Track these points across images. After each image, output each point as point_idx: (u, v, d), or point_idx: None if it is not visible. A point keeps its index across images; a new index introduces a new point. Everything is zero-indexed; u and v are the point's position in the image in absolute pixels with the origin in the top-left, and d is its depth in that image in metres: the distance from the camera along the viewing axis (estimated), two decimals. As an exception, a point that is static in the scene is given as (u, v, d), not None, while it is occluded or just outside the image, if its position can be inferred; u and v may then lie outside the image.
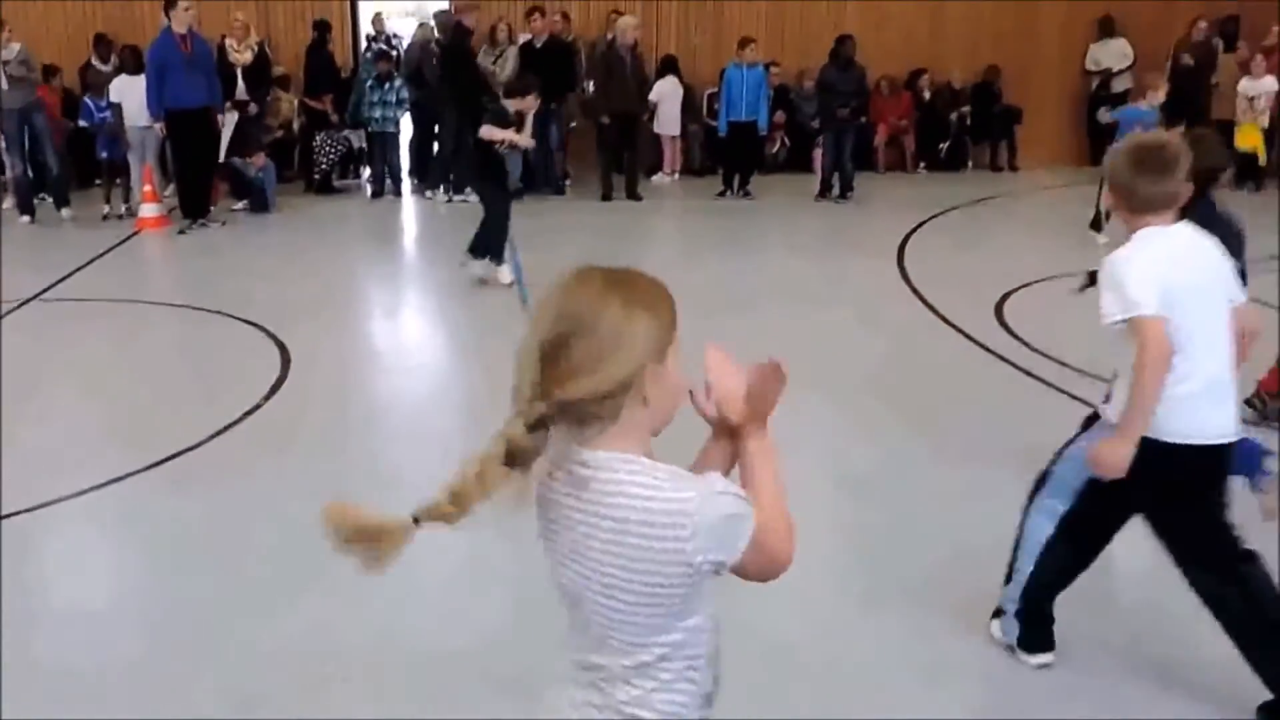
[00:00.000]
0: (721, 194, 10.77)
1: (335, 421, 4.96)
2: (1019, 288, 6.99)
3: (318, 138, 10.85)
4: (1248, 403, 4.56)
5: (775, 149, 12.10)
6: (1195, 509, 2.78)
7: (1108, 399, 2.89)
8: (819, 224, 9.81)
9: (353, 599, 3.41)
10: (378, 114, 10.46)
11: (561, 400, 1.35)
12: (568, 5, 11.70)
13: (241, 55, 10.32)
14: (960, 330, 6.21)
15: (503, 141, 6.92)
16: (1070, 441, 3.06)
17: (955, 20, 12.62)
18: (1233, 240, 3.39)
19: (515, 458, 1.36)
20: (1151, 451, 2.63)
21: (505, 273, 7.12)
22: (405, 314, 7.31)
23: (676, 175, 11.86)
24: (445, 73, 9.89)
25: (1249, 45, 11.75)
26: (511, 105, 7.01)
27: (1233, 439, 2.73)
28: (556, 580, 1.48)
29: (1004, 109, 12.48)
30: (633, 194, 10.56)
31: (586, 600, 1.43)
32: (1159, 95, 8.12)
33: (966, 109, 12.46)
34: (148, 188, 9.24)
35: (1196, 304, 2.65)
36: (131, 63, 9.52)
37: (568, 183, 11.00)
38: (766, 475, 1.49)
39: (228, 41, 10.32)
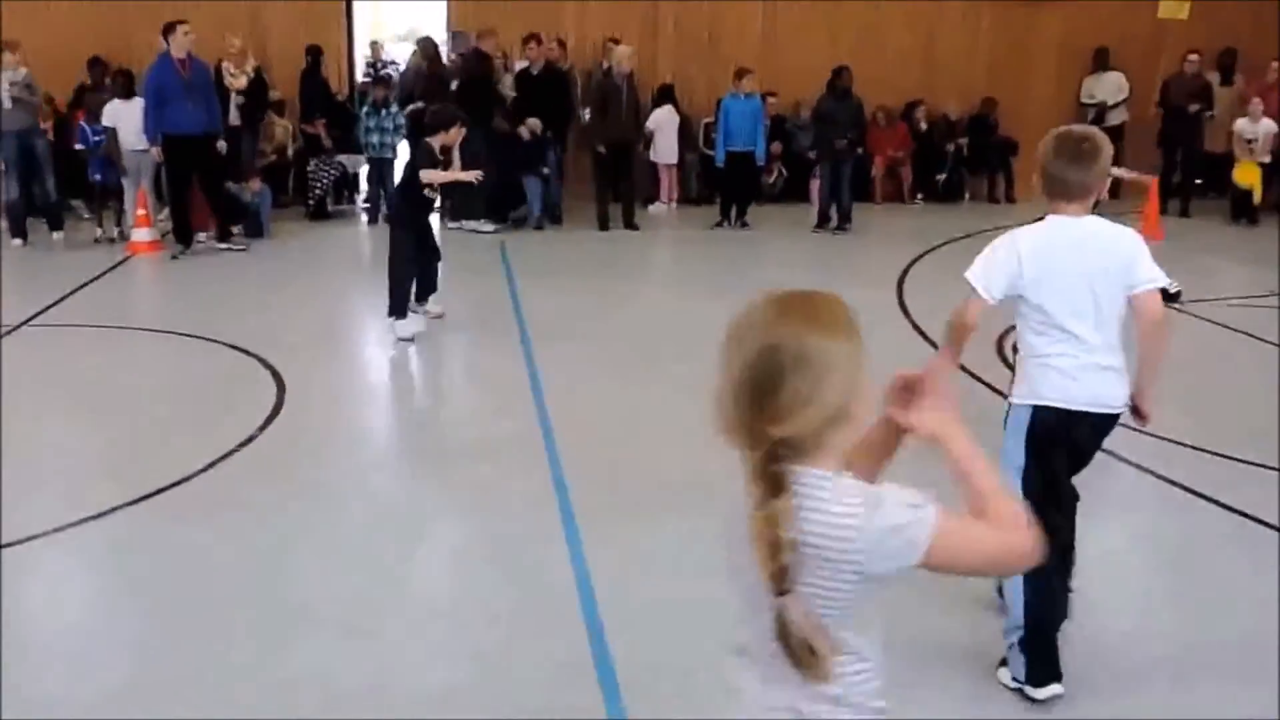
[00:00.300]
0: (719, 224, 10.74)
1: (332, 454, 4.87)
2: (1019, 322, 6.94)
3: (312, 163, 10.82)
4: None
5: (772, 179, 12.10)
6: (1074, 464, 3.09)
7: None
8: (817, 255, 9.77)
9: (346, 638, 3.33)
10: (375, 139, 10.43)
11: (779, 438, 1.38)
12: (564, 33, 11.73)
13: (237, 80, 10.28)
14: (960, 365, 6.15)
15: (433, 185, 6.57)
16: None
17: (950, 53, 12.68)
18: None
19: (777, 488, 1.39)
20: (1036, 416, 2.95)
21: (403, 327, 6.54)
22: (392, 341, 7.21)
23: (673, 205, 11.83)
24: (464, 99, 9.75)
25: (1246, 79, 11.82)
26: (435, 141, 6.55)
27: (1102, 410, 2.97)
28: (739, 587, 1.51)
29: (1000, 141, 12.51)
30: (630, 224, 10.53)
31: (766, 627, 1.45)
32: None
33: (963, 140, 12.50)
34: (141, 212, 9.17)
35: (1071, 286, 2.90)
36: (125, 87, 9.48)
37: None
38: (984, 479, 1.52)
39: (224, 66, 10.29)
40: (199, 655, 3.23)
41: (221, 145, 9.12)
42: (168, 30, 8.67)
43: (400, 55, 14.28)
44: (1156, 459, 4.77)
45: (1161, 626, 3.56)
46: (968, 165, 12.60)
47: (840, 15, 12.40)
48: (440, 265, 7.08)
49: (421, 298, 6.89)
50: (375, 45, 12.62)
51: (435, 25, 13.42)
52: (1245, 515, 4.22)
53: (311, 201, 10.79)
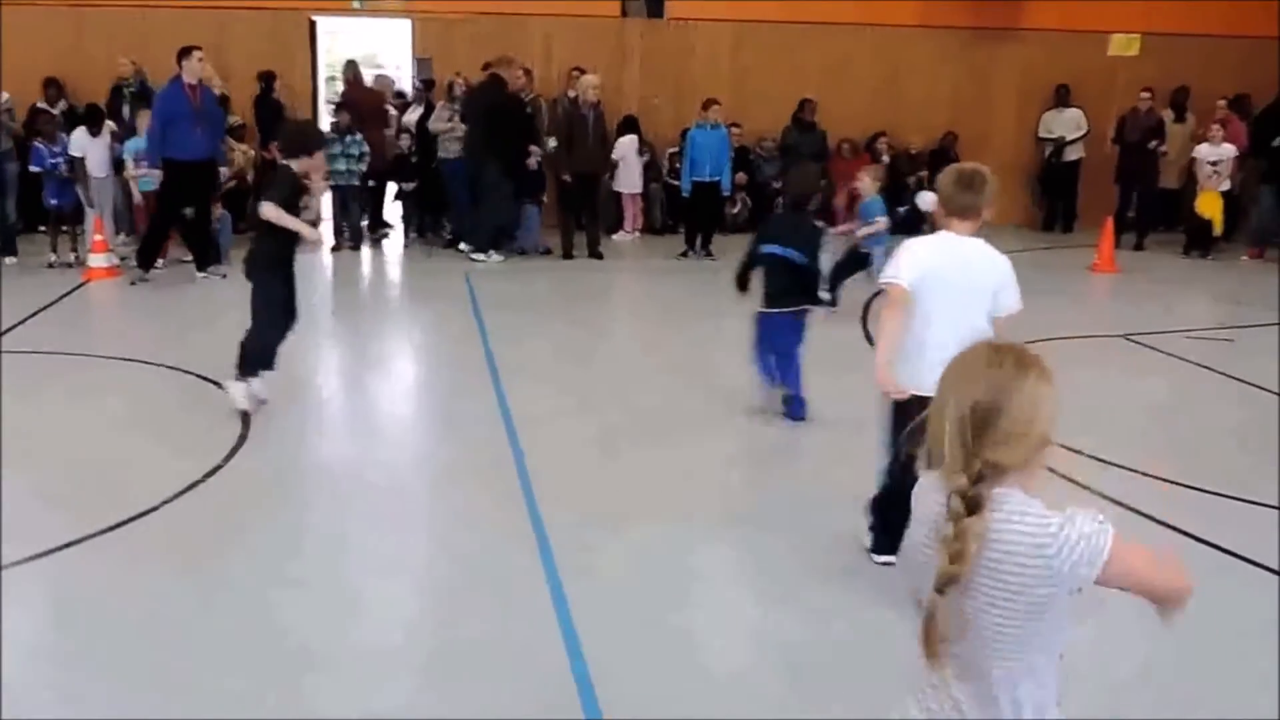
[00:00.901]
0: (684, 254, 10.77)
1: (299, 484, 4.78)
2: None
3: (269, 189, 10.69)
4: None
5: (736, 209, 12.17)
6: None
7: None
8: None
9: (317, 670, 3.24)
10: (341, 166, 10.32)
11: (994, 461, 1.65)
12: (530, 61, 11.75)
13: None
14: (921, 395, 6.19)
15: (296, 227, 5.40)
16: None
17: (914, 87, 12.89)
18: (809, 235, 5.61)
19: (975, 507, 1.65)
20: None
21: (240, 393, 5.45)
22: (366, 369, 7.12)
23: (637, 234, 11.87)
24: (490, 126, 9.88)
25: (1197, 117, 12.14)
26: (295, 165, 5.43)
27: None
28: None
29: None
30: (594, 253, 10.53)
31: (970, 612, 1.68)
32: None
33: (924, 173, 12.66)
34: (98, 238, 9.00)
35: (950, 294, 3.60)
36: (93, 121, 9.42)
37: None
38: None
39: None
40: (178, 687, 3.12)
41: (224, 172, 9.11)
42: (182, 55, 8.68)
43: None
44: (1125, 493, 4.82)
45: (1136, 654, 3.57)
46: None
47: (806, 47, 12.57)
48: (374, 304, 6.86)
49: (265, 366, 5.64)
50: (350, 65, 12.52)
51: (401, 51, 13.38)
52: (1212, 545, 4.26)
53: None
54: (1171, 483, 4.96)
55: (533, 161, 10.48)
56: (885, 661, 3.41)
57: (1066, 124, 12.76)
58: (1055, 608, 1.67)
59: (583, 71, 11.80)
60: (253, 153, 10.83)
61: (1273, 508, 4.68)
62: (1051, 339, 7.59)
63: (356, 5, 11.82)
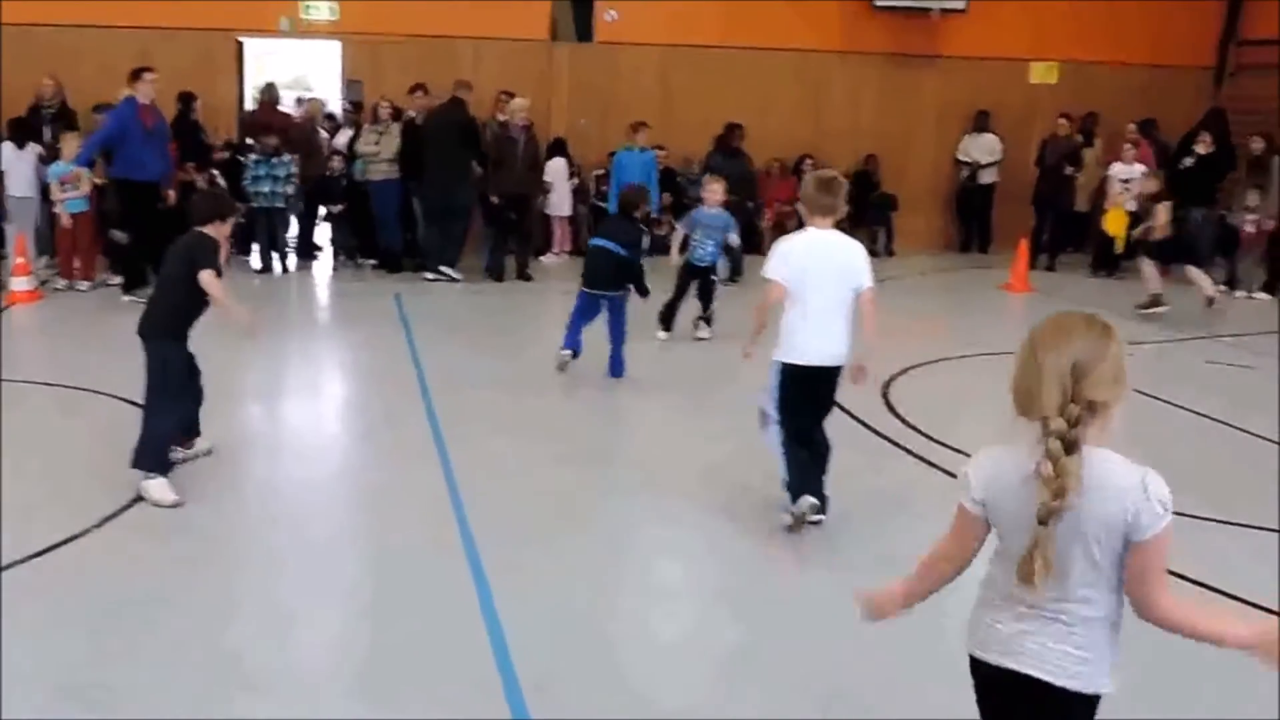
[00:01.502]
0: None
1: (226, 510, 4.79)
2: (901, 372, 7.28)
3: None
4: None
5: (664, 232, 12.36)
6: (813, 398, 4.60)
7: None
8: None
9: (254, 703, 3.29)
10: (265, 189, 10.27)
11: (1091, 400, 1.96)
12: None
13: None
14: (848, 412, 6.41)
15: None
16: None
17: (836, 111, 13.28)
18: (632, 235, 6.95)
19: (1071, 447, 1.95)
20: (786, 368, 4.50)
21: (160, 490, 4.72)
22: (294, 393, 7.13)
23: (566, 256, 12.00)
24: (460, 147, 10.31)
25: (1105, 142, 12.69)
26: (210, 231, 4.95)
27: (827, 363, 4.48)
28: (1012, 544, 2.04)
29: (881, 196, 13.09)
30: (523, 275, 10.61)
31: (1063, 553, 1.99)
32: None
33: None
34: (20, 260, 8.86)
35: (817, 278, 4.40)
36: (20, 135, 9.29)
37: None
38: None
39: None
40: (114, 706, 3.15)
41: (170, 194, 9.08)
42: (134, 76, 8.75)
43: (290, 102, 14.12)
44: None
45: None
46: (851, 220, 13.09)
47: (732, 70, 12.86)
48: (303, 326, 6.89)
49: (189, 434, 5.21)
50: (269, 87, 12.46)
51: (330, 73, 13.37)
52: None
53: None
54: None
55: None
56: (815, 657, 3.59)
57: (983, 148, 13.22)
58: (1113, 551, 2.00)
59: (511, 95, 11.93)
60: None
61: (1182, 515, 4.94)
62: (964, 356, 7.95)
63: (284, 27, 11.78)
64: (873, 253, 13.75)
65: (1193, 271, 9.84)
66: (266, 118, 11.08)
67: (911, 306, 9.92)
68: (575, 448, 5.74)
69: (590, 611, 3.94)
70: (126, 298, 8.88)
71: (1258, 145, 10.92)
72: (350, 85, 12.15)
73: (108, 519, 4.52)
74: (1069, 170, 12.37)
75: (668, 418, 6.50)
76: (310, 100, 12.09)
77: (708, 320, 8.41)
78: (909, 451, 5.80)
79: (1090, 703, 2.07)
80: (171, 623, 3.72)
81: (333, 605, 3.99)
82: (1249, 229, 10.94)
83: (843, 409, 6.36)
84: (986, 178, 13.23)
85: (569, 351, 6.96)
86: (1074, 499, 1.94)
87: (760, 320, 4.58)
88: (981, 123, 13.22)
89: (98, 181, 9.30)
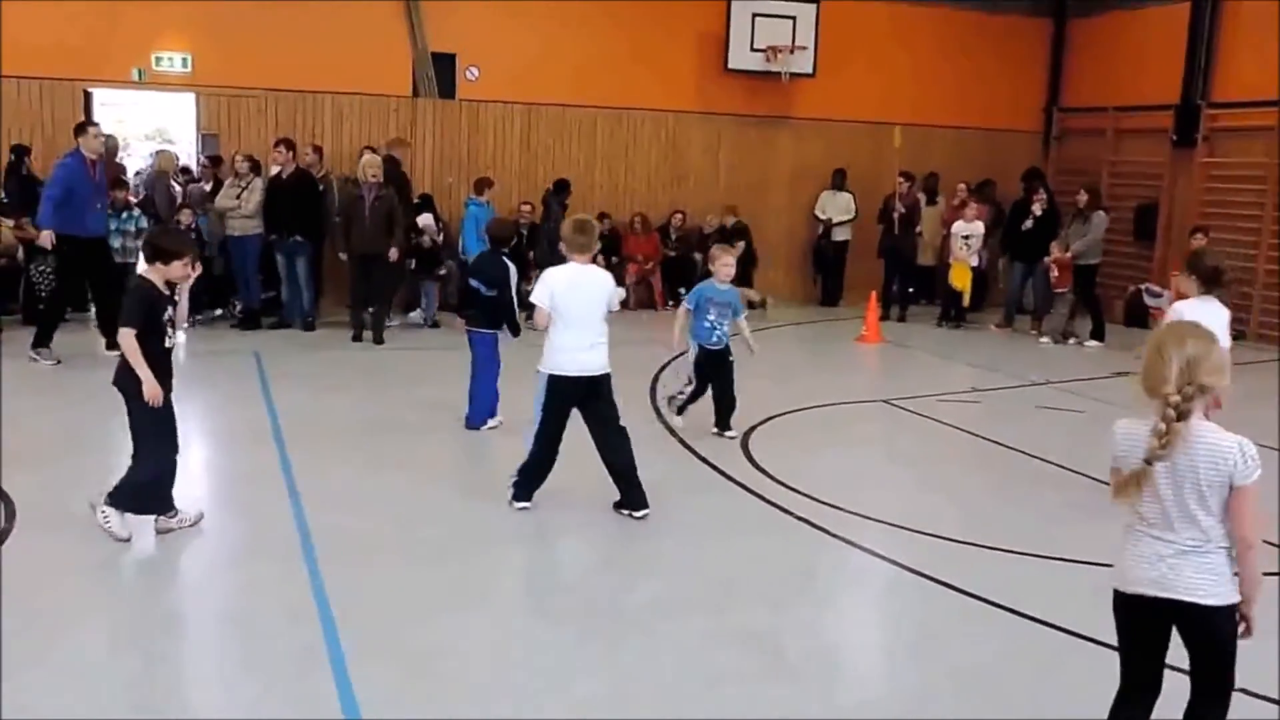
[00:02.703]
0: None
1: (71, 581, 4.53)
2: (763, 421, 7.48)
3: (32, 268, 10.10)
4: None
5: (529, 285, 12.41)
6: (582, 404, 5.41)
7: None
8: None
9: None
10: (116, 244, 9.86)
11: (1203, 384, 2.75)
12: (320, 139, 11.72)
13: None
14: (710, 464, 6.56)
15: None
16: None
17: (694, 169, 13.69)
18: (498, 271, 7.10)
19: (1181, 416, 2.75)
20: (553, 379, 5.32)
21: (118, 522, 4.83)
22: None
23: (434, 312, 11.86)
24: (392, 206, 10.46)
25: (946, 199, 13.46)
26: (152, 275, 4.73)
27: (586, 373, 5.31)
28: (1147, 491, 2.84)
29: (744, 253, 13.47)
30: (377, 338, 10.19)
31: (1173, 500, 2.81)
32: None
33: (741, 244, 13.32)
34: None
35: (577, 303, 5.29)
36: None
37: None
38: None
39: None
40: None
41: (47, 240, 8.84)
42: (79, 130, 8.83)
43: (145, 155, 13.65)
44: (881, 544, 5.29)
45: (907, 690, 3.93)
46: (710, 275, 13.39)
47: (595, 128, 13.14)
48: (187, 377, 6.71)
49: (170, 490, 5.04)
50: (115, 145, 12.02)
51: (185, 126, 12.99)
52: (964, 592, 4.73)
53: (42, 307, 9.99)
54: (922, 533, 5.46)
55: (425, 240, 11.18)
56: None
57: (838, 206, 13.83)
58: (1220, 495, 2.78)
59: (374, 150, 11.87)
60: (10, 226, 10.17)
61: (1012, 553, 5.23)
62: (821, 405, 8.21)
63: (135, 78, 11.43)
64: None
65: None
66: (112, 171, 10.68)
67: (772, 358, 10.19)
68: (428, 503, 5.67)
69: (448, 671, 3.89)
70: (30, 354, 8.56)
71: (1082, 198, 11.84)
72: (206, 139, 11.85)
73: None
74: (917, 230, 13.06)
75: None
76: (161, 153, 11.68)
77: (727, 421, 7.15)
78: (766, 500, 5.95)
79: (1230, 612, 2.82)
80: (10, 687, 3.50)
81: (181, 666, 3.82)
82: (1053, 274, 11.71)
83: (705, 461, 6.55)
84: (840, 235, 13.83)
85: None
86: (1176, 453, 2.76)
87: (542, 323, 5.39)
88: (839, 181, 13.83)
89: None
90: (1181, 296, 5.47)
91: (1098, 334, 11.66)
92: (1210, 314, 5.00)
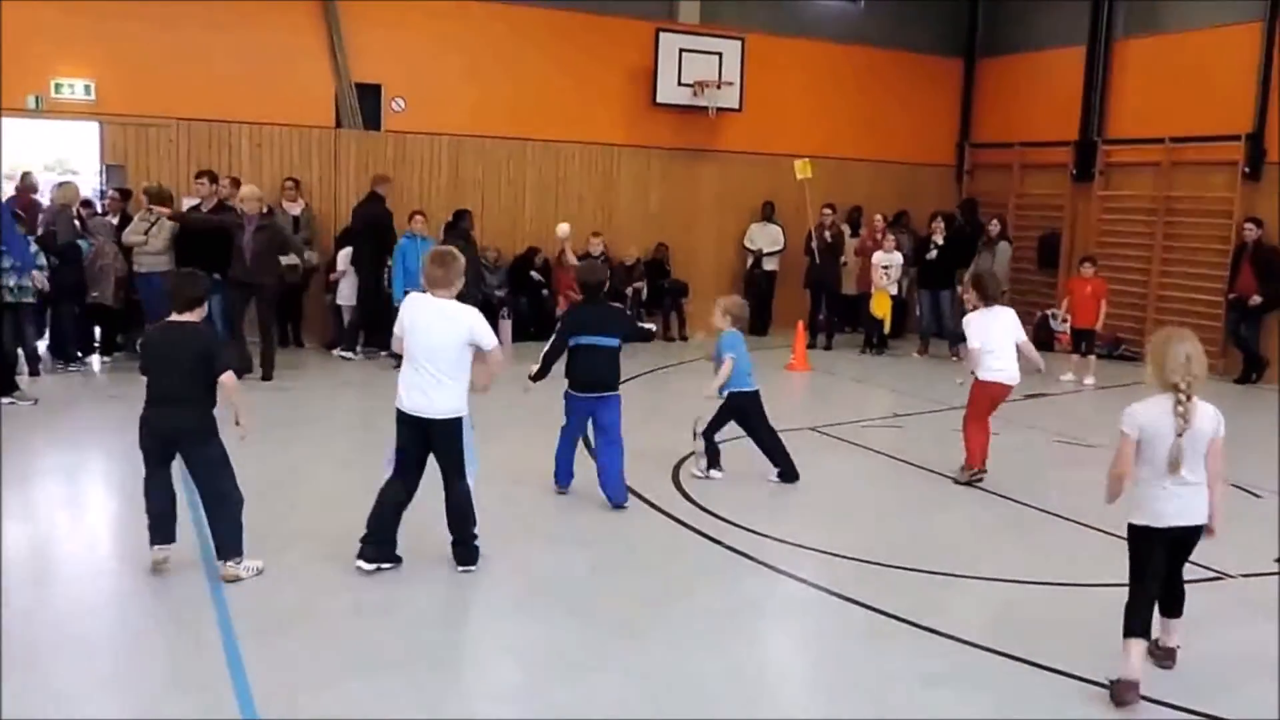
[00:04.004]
0: (397, 366, 10.56)
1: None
2: (693, 452, 7.40)
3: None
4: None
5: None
6: (426, 444, 5.02)
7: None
8: (503, 398, 9.81)
9: None
10: (11, 282, 8.87)
11: (1197, 375, 3.83)
12: (238, 170, 11.44)
13: None
14: (643, 497, 6.47)
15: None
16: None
17: (624, 200, 13.74)
18: (625, 323, 6.50)
19: (1189, 397, 3.83)
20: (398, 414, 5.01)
21: (249, 563, 4.93)
22: (50, 511, 6.47)
23: (359, 349, 11.60)
24: (365, 236, 11.07)
25: (868, 230, 13.68)
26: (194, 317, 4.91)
27: (427, 415, 4.91)
28: (1157, 451, 3.89)
29: (673, 283, 13.53)
30: (266, 374, 9.72)
31: (1190, 454, 3.88)
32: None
33: (640, 285, 13.37)
34: None
35: (425, 339, 4.90)
36: None
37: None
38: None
39: None
40: None
41: (43, 281, 8.96)
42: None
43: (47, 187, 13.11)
44: (803, 568, 5.25)
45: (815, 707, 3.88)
46: (645, 306, 13.43)
47: (523, 160, 13.10)
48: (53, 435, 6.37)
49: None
50: (26, 176, 11.58)
51: (89, 157, 12.52)
52: (886, 614, 4.71)
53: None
54: (845, 557, 5.45)
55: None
56: None
57: (767, 237, 13.98)
58: (1205, 445, 3.92)
59: (296, 182, 11.64)
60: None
61: (932, 573, 5.25)
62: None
63: (31, 105, 10.94)
64: (667, 338, 14.22)
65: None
66: (25, 206, 10.28)
67: (701, 390, 10.21)
68: (334, 551, 5.47)
69: None
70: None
71: (994, 228, 12.15)
72: (111, 170, 11.43)
73: None
74: (842, 261, 13.27)
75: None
76: (64, 185, 11.14)
77: (786, 472, 6.86)
78: (698, 531, 5.88)
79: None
80: None
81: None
82: (969, 307, 11.93)
83: (638, 495, 6.45)
84: (769, 265, 13.95)
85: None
86: (1192, 423, 3.82)
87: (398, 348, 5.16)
88: (768, 212, 14.00)
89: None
90: (975, 308, 7.10)
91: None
92: (1004, 315, 7.03)
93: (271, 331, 10.07)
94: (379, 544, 5.00)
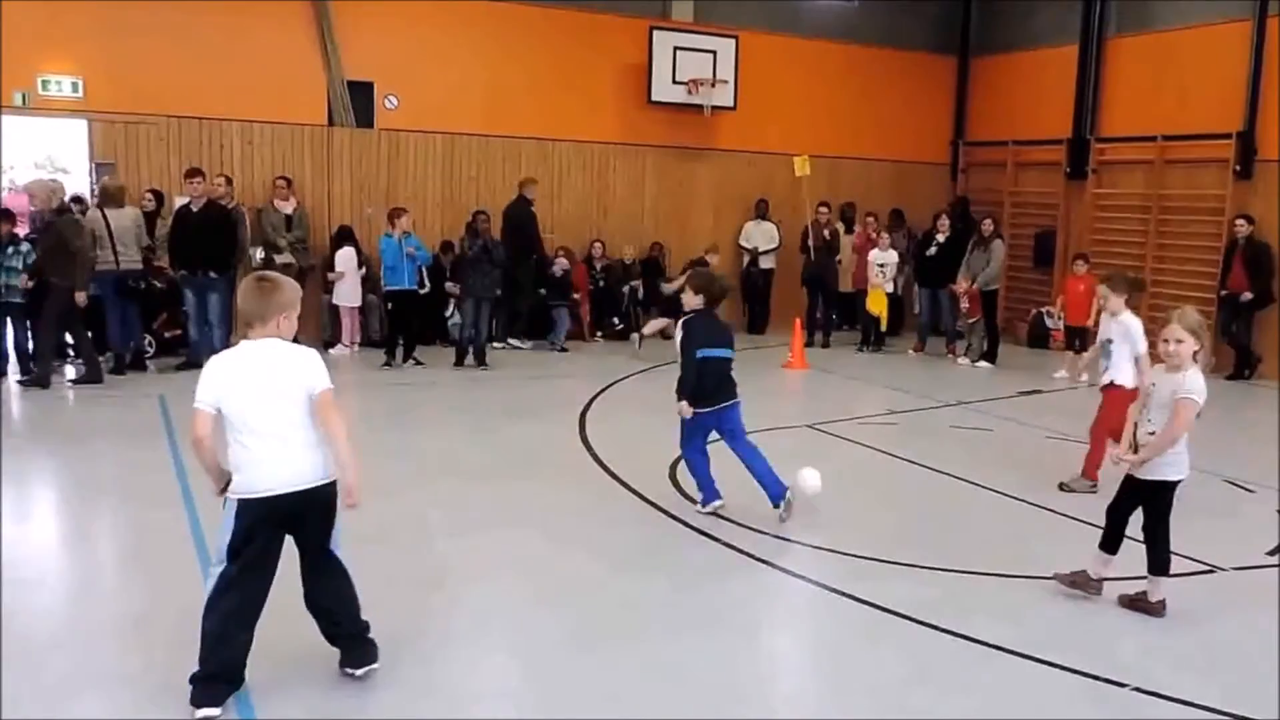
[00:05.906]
0: (386, 364, 10.64)
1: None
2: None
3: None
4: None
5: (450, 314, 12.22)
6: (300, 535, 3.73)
7: None
8: (487, 395, 9.83)
9: None
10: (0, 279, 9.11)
11: (1199, 349, 4.62)
12: (230, 169, 11.38)
13: None
14: (638, 493, 6.45)
15: None
16: None
17: (619, 198, 13.70)
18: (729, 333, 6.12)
19: (1188, 366, 4.60)
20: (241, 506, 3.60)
21: None
22: (42, 516, 6.42)
23: (355, 348, 11.61)
24: (511, 237, 11.64)
25: (863, 228, 13.69)
26: None
27: (296, 488, 3.58)
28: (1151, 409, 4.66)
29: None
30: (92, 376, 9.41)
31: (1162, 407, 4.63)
32: None
33: (637, 283, 13.35)
34: None
35: (253, 400, 3.54)
36: None
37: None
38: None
39: None
40: None
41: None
42: None
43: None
44: (805, 565, 5.24)
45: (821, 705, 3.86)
46: (641, 306, 13.41)
47: (518, 158, 13.04)
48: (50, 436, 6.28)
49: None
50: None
51: (78, 155, 12.40)
52: (883, 609, 4.69)
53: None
54: (841, 553, 5.44)
55: (557, 270, 12.29)
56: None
57: (763, 236, 13.99)
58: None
59: (288, 180, 11.59)
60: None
61: (932, 569, 5.25)
62: (749, 432, 8.14)
63: (18, 102, 10.83)
64: (665, 336, 14.24)
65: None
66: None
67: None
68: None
69: None
70: None
71: (987, 226, 12.20)
72: (100, 169, 11.34)
73: None
74: (837, 259, 13.26)
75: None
76: (47, 182, 10.97)
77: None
78: (695, 529, 5.86)
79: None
80: None
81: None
82: (964, 305, 12.00)
83: (631, 489, 6.43)
84: (766, 263, 13.96)
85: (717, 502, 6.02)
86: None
87: (202, 461, 3.68)
88: (763, 210, 14.00)
89: None
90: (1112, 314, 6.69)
91: (990, 356, 11.96)
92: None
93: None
94: (215, 680, 3.61)
